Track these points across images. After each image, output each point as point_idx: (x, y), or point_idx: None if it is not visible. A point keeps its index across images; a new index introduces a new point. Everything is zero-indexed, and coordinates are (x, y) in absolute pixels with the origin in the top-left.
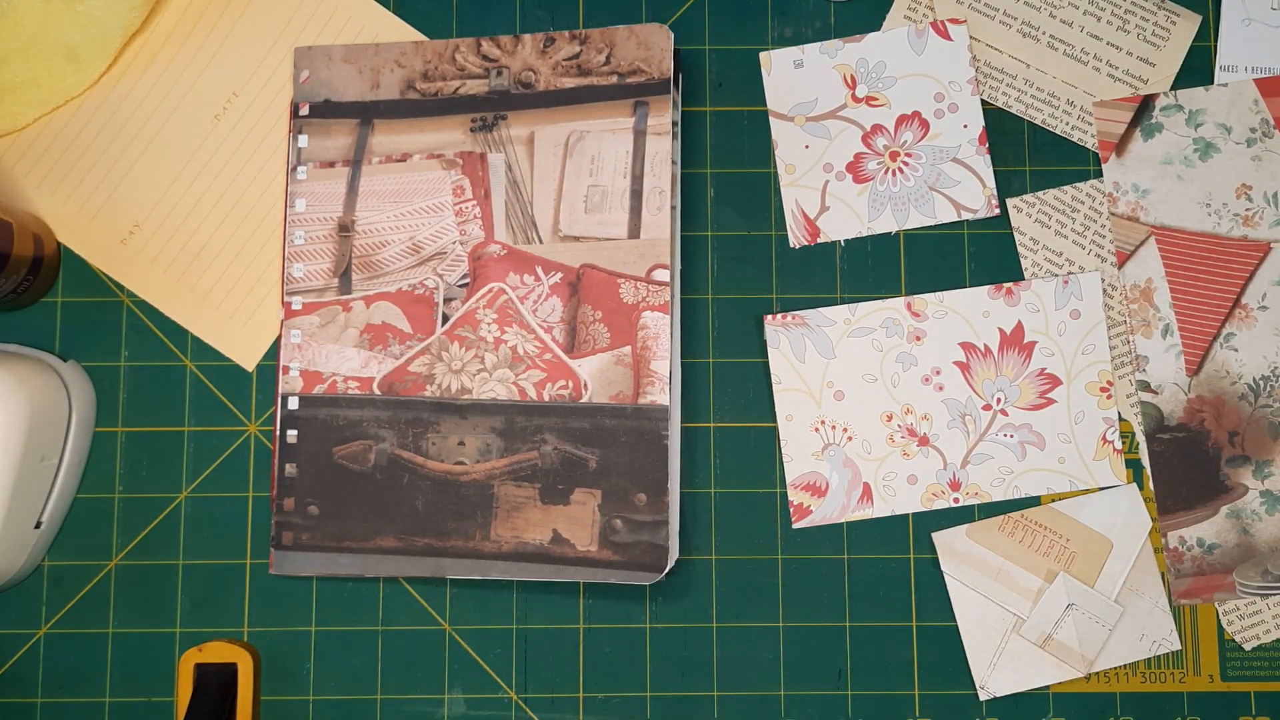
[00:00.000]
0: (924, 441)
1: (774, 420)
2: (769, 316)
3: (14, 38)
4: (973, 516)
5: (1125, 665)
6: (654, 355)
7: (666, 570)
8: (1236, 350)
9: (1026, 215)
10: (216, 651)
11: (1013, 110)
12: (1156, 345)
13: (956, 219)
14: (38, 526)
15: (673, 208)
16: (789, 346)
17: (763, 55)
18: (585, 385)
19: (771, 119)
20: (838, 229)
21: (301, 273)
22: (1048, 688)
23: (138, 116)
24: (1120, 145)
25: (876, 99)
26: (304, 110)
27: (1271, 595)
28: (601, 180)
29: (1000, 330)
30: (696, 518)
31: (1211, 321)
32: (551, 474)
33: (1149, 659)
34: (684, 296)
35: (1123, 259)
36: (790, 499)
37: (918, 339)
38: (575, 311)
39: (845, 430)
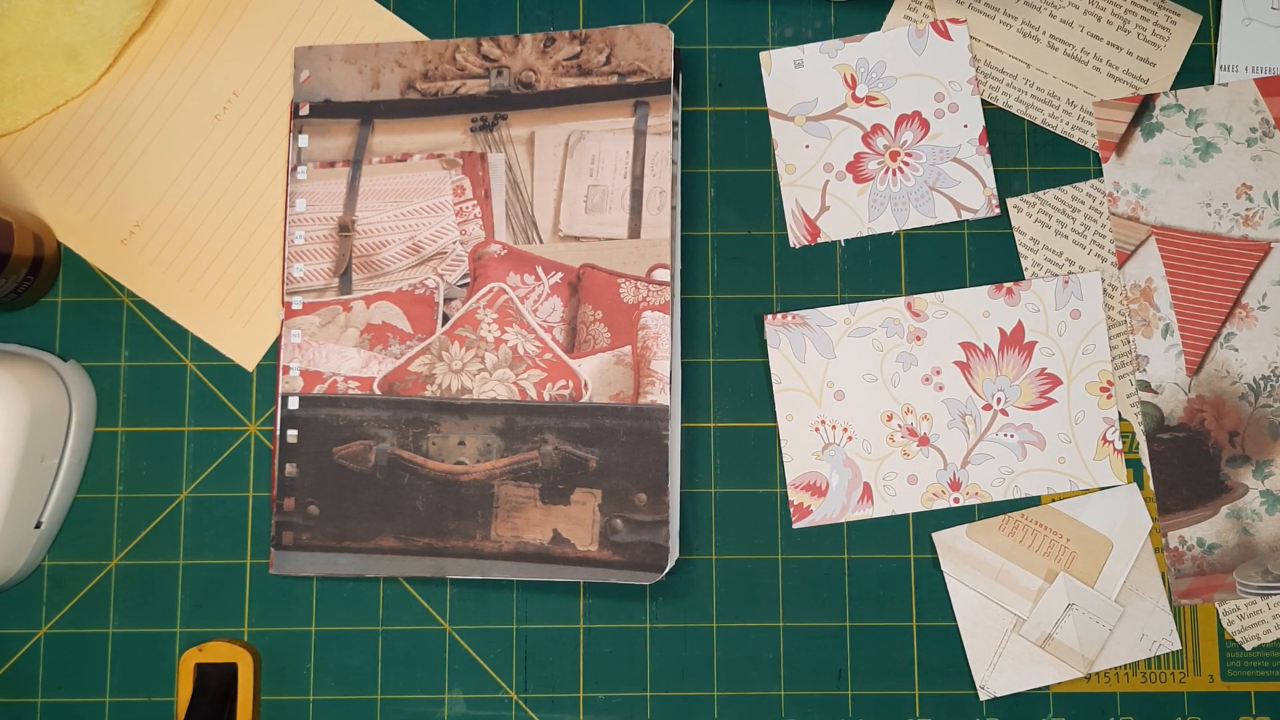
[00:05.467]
0: (924, 441)
1: (774, 420)
2: (769, 316)
3: (14, 38)
4: (973, 516)
5: (1125, 665)
6: (654, 355)
7: (667, 570)
8: (1237, 350)
9: (1026, 215)
10: (216, 651)
11: (1013, 110)
12: (1156, 345)
13: (956, 219)
14: (38, 526)
15: (673, 208)
16: (789, 346)
17: (763, 55)
18: (585, 385)
19: (771, 119)
20: (838, 229)
21: (301, 273)
22: (1048, 688)
23: (138, 116)
24: (1120, 145)
25: (876, 99)
26: (304, 110)
27: (1271, 595)
28: (602, 180)
29: (1000, 330)
30: (696, 518)
31: (1211, 321)
32: (552, 474)
33: (1149, 659)
34: (684, 296)
35: (1123, 259)
36: (790, 499)
37: (918, 339)
38: (575, 311)
39: (845, 430)
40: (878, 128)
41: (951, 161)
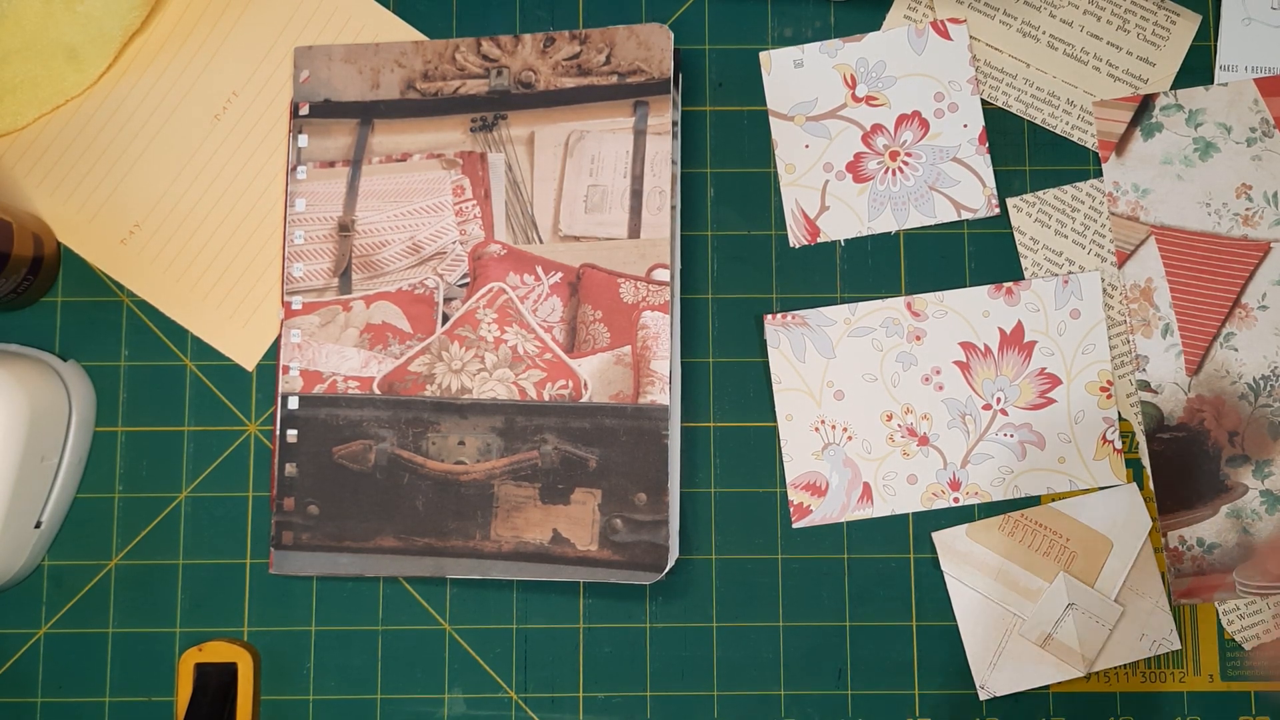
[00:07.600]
0: (924, 441)
1: (774, 420)
2: (769, 316)
3: (14, 38)
4: (973, 516)
5: (1125, 665)
6: (654, 355)
7: (666, 570)
8: (1236, 350)
9: (1026, 215)
10: (216, 651)
11: (1013, 110)
12: (1156, 345)
13: (956, 219)
14: (38, 526)
15: (673, 208)
16: (789, 346)
17: (763, 55)
18: (585, 385)
19: (771, 119)
20: (838, 229)
21: (301, 272)
22: (1048, 687)
23: (138, 116)
24: (1120, 145)
25: (876, 99)
26: (304, 110)
27: (1271, 595)
28: (601, 180)
29: (1000, 330)
30: (696, 517)
31: (1211, 321)
32: (551, 474)
33: (1149, 659)
34: (684, 296)
35: (1123, 259)
36: (790, 499)
37: (918, 339)
38: (575, 311)
39: (845, 430)
40: (877, 128)
41: (951, 161)
